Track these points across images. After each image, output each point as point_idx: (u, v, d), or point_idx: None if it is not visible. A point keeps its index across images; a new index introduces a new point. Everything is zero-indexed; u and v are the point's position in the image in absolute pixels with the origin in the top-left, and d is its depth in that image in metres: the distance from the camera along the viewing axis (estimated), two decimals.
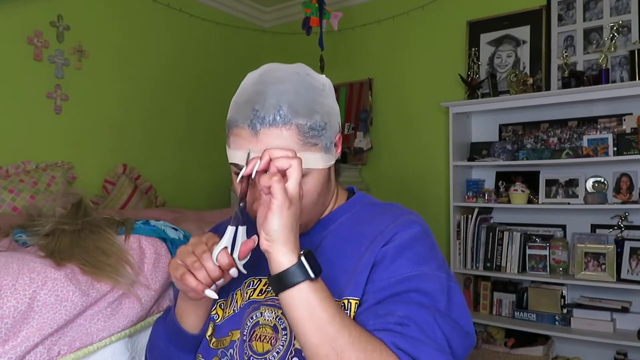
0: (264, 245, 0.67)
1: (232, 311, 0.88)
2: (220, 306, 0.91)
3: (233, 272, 0.76)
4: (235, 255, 0.73)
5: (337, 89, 3.54)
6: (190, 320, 0.89)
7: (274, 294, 0.69)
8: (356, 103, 3.47)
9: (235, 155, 0.78)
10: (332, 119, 0.81)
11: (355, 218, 0.87)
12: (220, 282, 0.78)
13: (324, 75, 0.86)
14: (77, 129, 2.75)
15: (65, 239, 1.36)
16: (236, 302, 0.88)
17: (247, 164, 0.74)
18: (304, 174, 0.75)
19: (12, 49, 2.49)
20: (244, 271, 0.75)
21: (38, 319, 1.14)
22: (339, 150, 0.85)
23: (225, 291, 0.91)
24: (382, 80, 3.40)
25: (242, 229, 0.73)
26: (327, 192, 0.85)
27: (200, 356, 0.89)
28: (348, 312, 0.75)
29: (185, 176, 3.31)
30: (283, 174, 0.68)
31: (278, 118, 0.75)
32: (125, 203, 2.73)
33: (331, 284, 0.78)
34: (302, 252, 0.68)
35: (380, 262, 0.76)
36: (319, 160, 0.79)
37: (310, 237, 0.87)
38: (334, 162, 0.84)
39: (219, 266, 0.74)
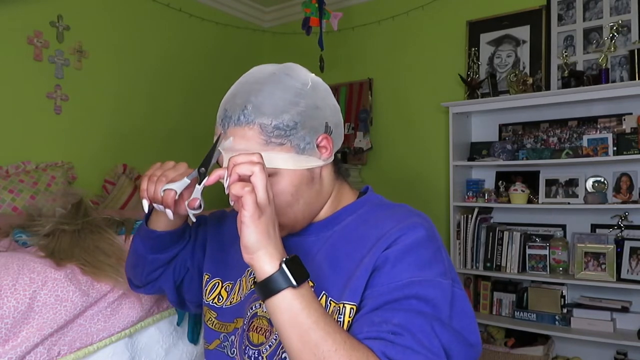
0: (246, 258, 0.68)
1: (238, 298, 0.89)
2: (225, 289, 0.93)
3: (169, 213, 0.81)
4: (186, 203, 0.79)
5: (337, 89, 3.53)
6: (160, 224, 0.93)
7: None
8: (356, 103, 3.47)
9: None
10: (308, 120, 0.79)
11: (361, 219, 0.85)
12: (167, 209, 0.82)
13: (313, 75, 0.84)
14: (77, 129, 2.75)
15: (65, 239, 1.36)
16: (242, 289, 0.90)
17: (214, 147, 0.80)
18: (272, 174, 0.76)
19: (12, 49, 2.49)
20: (193, 219, 0.81)
21: (38, 319, 1.14)
22: (328, 152, 0.82)
23: (232, 276, 0.93)
24: (382, 80, 3.40)
25: (199, 188, 0.78)
26: (311, 193, 0.83)
27: (205, 340, 0.93)
28: (342, 316, 0.74)
29: None
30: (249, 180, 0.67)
31: (242, 117, 0.77)
32: (125, 203, 2.73)
33: (333, 286, 0.78)
34: (284, 259, 0.67)
35: (381, 266, 0.74)
36: (288, 161, 0.78)
37: (314, 237, 0.87)
38: (321, 164, 0.82)
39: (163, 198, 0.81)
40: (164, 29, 3.22)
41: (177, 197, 0.81)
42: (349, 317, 0.74)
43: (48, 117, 2.62)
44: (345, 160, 3.40)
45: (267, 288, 0.66)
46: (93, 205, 2.42)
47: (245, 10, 3.77)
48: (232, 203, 0.69)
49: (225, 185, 0.68)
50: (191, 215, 0.81)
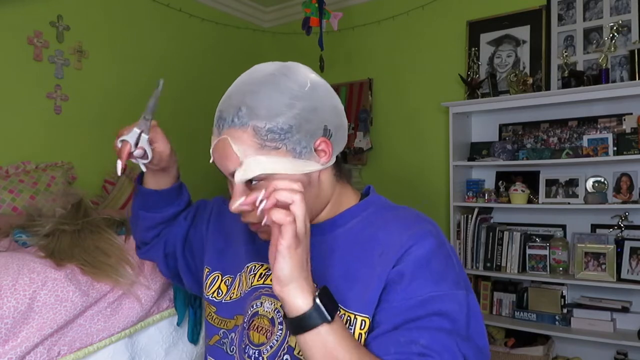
0: (277, 290, 0.65)
1: (238, 294, 0.89)
2: (224, 283, 0.93)
3: (118, 164, 0.85)
4: (134, 149, 0.84)
5: (337, 89, 3.53)
6: (148, 182, 1.00)
7: (291, 334, 0.69)
8: (356, 103, 3.47)
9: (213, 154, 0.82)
10: (305, 123, 0.75)
11: (367, 222, 0.83)
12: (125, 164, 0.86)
13: (314, 76, 0.80)
14: (77, 129, 2.75)
15: (65, 239, 1.36)
16: (242, 285, 0.89)
17: (155, 95, 0.84)
18: (266, 178, 0.74)
19: (12, 49, 2.49)
20: (143, 168, 0.89)
21: (38, 319, 1.14)
22: (327, 156, 0.79)
23: (231, 270, 0.93)
24: (382, 80, 3.40)
25: (145, 137, 0.84)
26: (309, 197, 0.79)
27: (206, 335, 0.94)
28: (353, 327, 0.74)
29: (186, 176, 3.31)
30: (286, 207, 0.64)
31: (236, 120, 0.75)
32: (125, 203, 2.73)
33: (337, 290, 0.76)
34: (317, 293, 0.65)
35: (396, 281, 0.73)
36: (284, 165, 0.75)
37: (313, 239, 0.85)
38: (320, 168, 0.79)
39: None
40: (164, 29, 3.22)
41: (133, 149, 0.84)
42: (360, 329, 0.73)
43: (48, 117, 2.62)
44: (346, 160, 3.40)
45: (300, 324, 0.65)
46: (93, 205, 2.42)
47: (245, 10, 3.77)
48: (263, 222, 0.66)
49: (260, 208, 0.65)
50: (141, 165, 0.87)
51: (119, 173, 0.87)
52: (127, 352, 1.34)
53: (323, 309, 0.64)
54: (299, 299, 0.64)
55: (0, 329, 1.09)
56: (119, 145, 0.85)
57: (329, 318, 0.64)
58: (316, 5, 2.81)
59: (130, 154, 0.84)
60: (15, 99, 2.50)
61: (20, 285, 1.14)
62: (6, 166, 2.40)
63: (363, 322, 0.73)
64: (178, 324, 1.47)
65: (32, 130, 2.56)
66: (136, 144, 0.84)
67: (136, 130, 0.84)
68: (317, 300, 0.64)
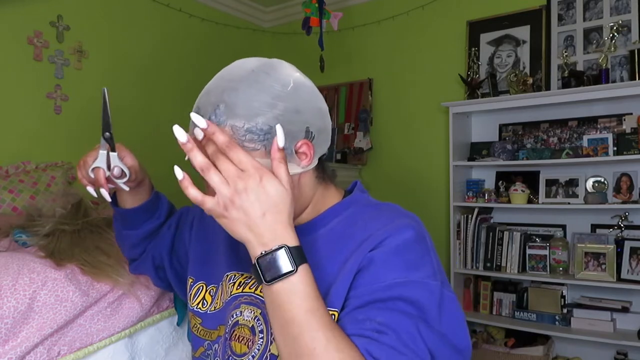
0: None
1: (221, 304, 0.87)
2: (209, 292, 0.91)
3: (103, 192, 0.84)
4: (108, 173, 0.83)
5: (337, 89, 3.53)
6: (122, 202, 0.99)
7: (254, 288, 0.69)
8: (356, 103, 3.47)
9: None
10: (286, 124, 0.72)
11: (349, 221, 0.81)
12: (103, 190, 0.86)
13: (298, 75, 0.77)
14: (77, 129, 2.74)
15: (65, 239, 1.36)
16: (223, 294, 0.87)
17: (105, 107, 0.84)
18: None
19: (12, 49, 2.49)
20: (126, 188, 0.88)
21: (38, 319, 1.14)
22: (308, 159, 0.76)
23: (214, 279, 0.91)
24: (382, 80, 3.40)
25: (113, 155, 0.83)
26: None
27: (192, 347, 0.93)
28: None
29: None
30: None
31: (213, 117, 0.73)
32: None
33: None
34: (261, 253, 0.63)
35: (365, 267, 0.71)
36: None
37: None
38: (300, 171, 0.76)
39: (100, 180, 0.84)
40: (164, 29, 3.22)
41: (108, 173, 0.83)
42: None
43: (48, 117, 2.62)
44: (346, 160, 3.40)
45: (255, 276, 0.64)
46: (93, 205, 2.41)
47: (245, 10, 3.77)
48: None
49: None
50: (122, 186, 0.84)
51: (109, 199, 0.86)
52: (127, 352, 1.34)
53: (259, 271, 0.63)
54: (253, 251, 0.64)
55: (0, 329, 1.09)
56: (92, 175, 0.83)
57: (263, 281, 0.63)
58: (316, 5, 2.81)
59: (108, 178, 0.83)
60: (15, 99, 2.50)
61: (20, 285, 1.15)
62: (6, 166, 2.39)
63: (333, 316, 0.70)
64: (178, 324, 1.47)
65: (32, 130, 2.56)
66: (108, 166, 0.82)
67: (102, 152, 0.82)
68: (257, 262, 0.63)
